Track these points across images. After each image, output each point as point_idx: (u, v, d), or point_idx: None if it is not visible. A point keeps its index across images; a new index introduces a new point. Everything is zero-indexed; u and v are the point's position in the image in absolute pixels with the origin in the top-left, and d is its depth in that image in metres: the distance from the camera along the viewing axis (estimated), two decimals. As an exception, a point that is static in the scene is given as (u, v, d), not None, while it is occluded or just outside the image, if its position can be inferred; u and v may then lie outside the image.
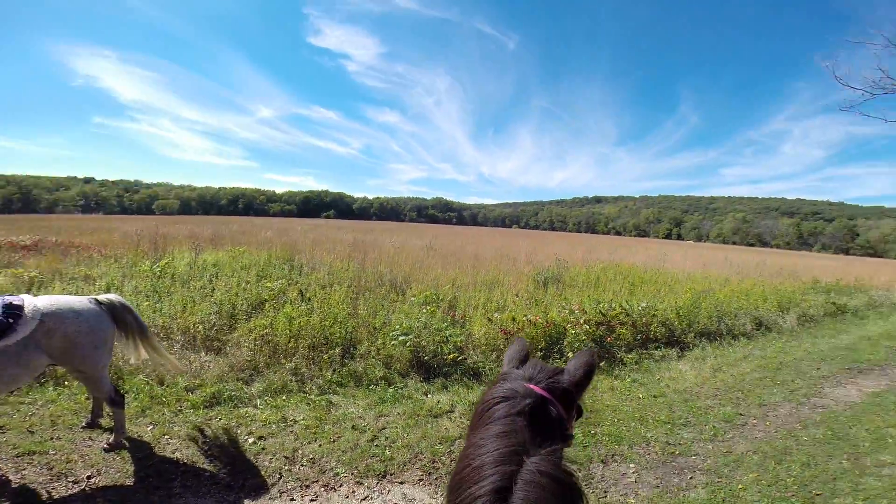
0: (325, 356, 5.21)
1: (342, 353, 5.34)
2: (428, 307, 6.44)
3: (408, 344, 5.34)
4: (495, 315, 6.64)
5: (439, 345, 5.45)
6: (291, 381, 4.79)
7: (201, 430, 3.90)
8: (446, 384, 5.03)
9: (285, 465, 3.49)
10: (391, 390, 4.77)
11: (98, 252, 14.29)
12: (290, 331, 5.57)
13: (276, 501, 3.11)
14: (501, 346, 5.86)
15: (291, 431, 3.93)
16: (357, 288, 7.85)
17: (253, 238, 17.69)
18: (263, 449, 3.67)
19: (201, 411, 4.21)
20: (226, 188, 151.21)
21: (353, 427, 4.03)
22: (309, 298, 7.03)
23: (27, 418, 3.94)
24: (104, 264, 11.53)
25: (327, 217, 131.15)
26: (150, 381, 4.62)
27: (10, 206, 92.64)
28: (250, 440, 3.78)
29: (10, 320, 3.05)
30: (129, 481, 3.23)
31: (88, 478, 3.26)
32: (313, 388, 4.74)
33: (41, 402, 4.22)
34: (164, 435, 3.81)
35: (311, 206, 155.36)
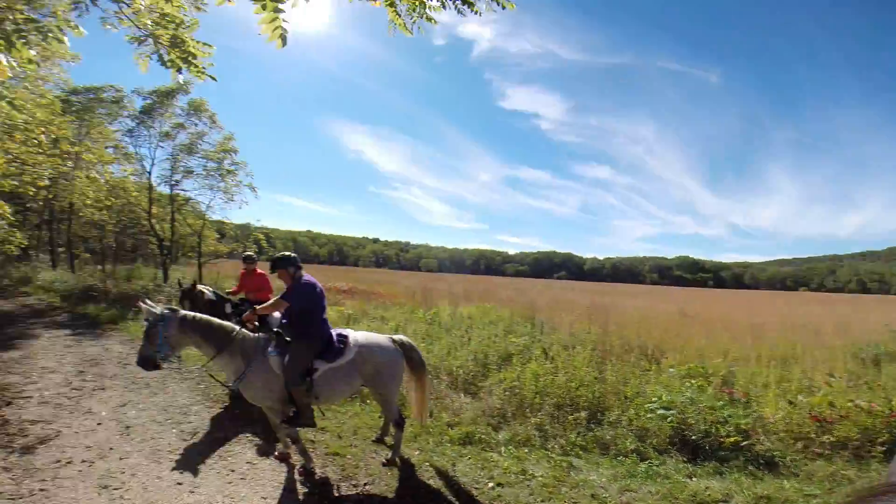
0: (571, 417, 5.20)
1: (588, 417, 5.24)
2: (693, 381, 5.62)
3: (669, 419, 4.73)
4: (799, 398, 5.33)
5: (713, 425, 4.67)
6: (535, 436, 4.89)
7: (453, 464, 4.28)
8: (721, 469, 4.30)
9: None
10: (644, 465, 4.36)
11: (388, 299, 18.09)
12: (535, 386, 5.79)
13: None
14: (811, 436, 4.77)
15: (528, 485, 3.91)
16: (602, 352, 7.50)
17: (495, 296, 19.26)
18: (499, 496, 3.73)
19: (456, 447, 4.64)
20: (469, 249, 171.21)
21: (591, 495, 3.75)
22: (552, 357, 7.09)
23: (339, 425, 5.05)
24: (393, 309, 14.51)
25: (559, 277, 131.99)
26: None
27: (331, 259, 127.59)
28: (490, 485, 3.90)
29: (342, 346, 3.94)
30: (391, 495, 3.69)
31: (364, 484, 3.84)
32: (556, 446, 4.72)
33: (350, 414, 5.39)
34: (425, 462, 4.27)
35: (543, 266, 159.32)
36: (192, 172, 16.23)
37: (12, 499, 3.29)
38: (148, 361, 3.46)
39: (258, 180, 17.50)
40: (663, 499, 3.72)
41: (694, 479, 4.12)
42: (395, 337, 4.30)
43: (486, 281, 45.21)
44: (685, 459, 4.48)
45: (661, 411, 4.94)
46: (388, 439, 4.58)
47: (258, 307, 3.98)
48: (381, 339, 4.19)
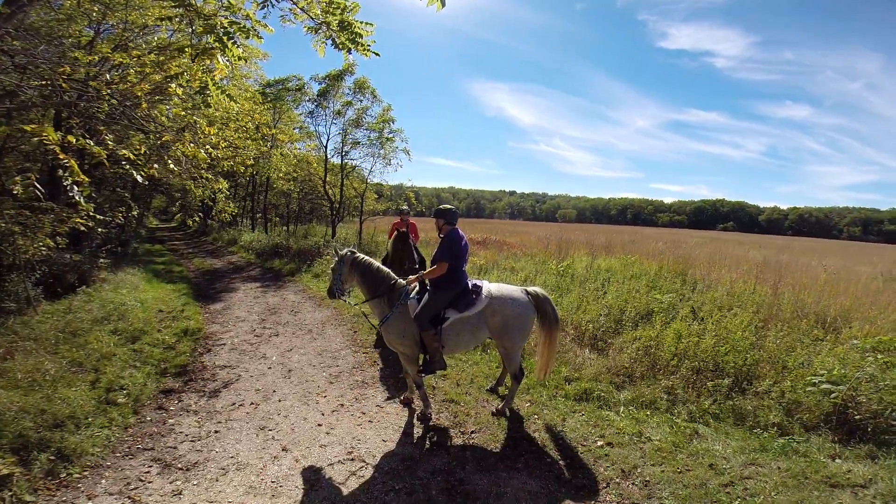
0: (710, 384, 4.79)
1: (731, 384, 4.77)
2: (880, 356, 4.83)
3: (833, 395, 4.21)
4: None
5: (890, 407, 4.01)
6: (662, 398, 4.64)
7: (563, 419, 4.25)
8: (875, 454, 3.62)
9: (617, 477, 3.42)
10: (781, 441, 3.88)
11: (520, 250, 18.43)
12: (675, 348, 5.44)
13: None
14: None
15: (640, 448, 3.79)
16: (766, 316, 6.72)
17: (642, 248, 17.91)
18: (606, 455, 3.67)
19: (571, 402, 4.59)
20: (614, 199, 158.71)
21: (709, 465, 3.53)
22: (702, 318, 6.62)
23: (458, 373, 5.29)
24: (524, 260, 14.71)
25: (724, 229, 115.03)
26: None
27: (468, 212, 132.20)
28: (598, 443, 3.85)
29: (474, 296, 4.03)
30: (494, 446, 3.81)
31: (472, 432, 4.00)
32: (683, 412, 4.44)
33: (470, 363, 5.64)
34: (534, 414, 4.33)
35: (705, 216, 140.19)
36: (358, 143, 18.48)
37: (193, 440, 3.84)
38: (331, 292, 4.22)
39: (410, 143, 19.14)
40: (792, 477, 3.32)
41: (838, 460, 3.56)
42: (530, 289, 4.20)
43: (633, 232, 41.92)
44: (836, 440, 3.87)
45: (825, 386, 4.37)
46: (502, 389, 4.70)
47: (423, 273, 4.22)
48: (514, 290, 4.13)
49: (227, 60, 3.85)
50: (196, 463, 3.50)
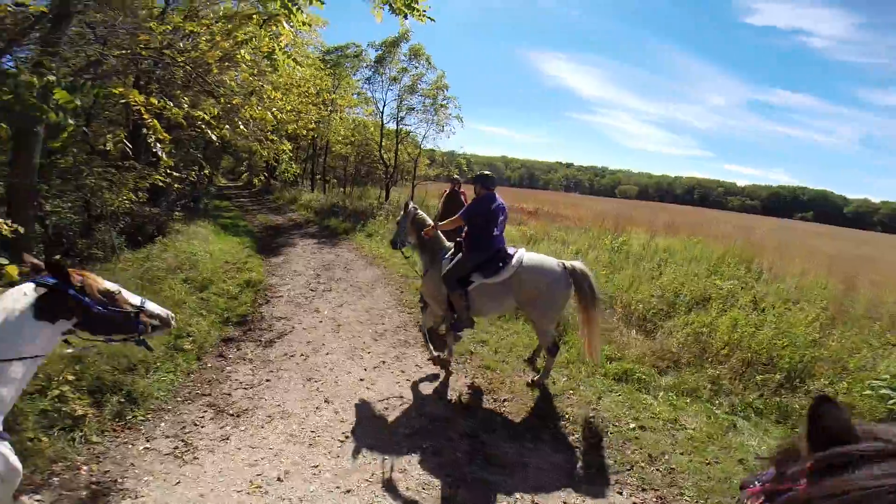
0: (759, 377, 4.59)
1: (783, 380, 4.55)
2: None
3: (891, 401, 3.92)
4: None
5: None
6: (705, 387, 4.50)
7: (599, 398, 4.20)
8: None
9: (643, 462, 3.38)
10: None
11: (573, 223, 18.02)
12: (728, 337, 5.21)
13: (609, 493, 3.05)
14: None
15: (673, 435, 3.75)
16: (836, 313, 6.25)
17: (707, 230, 16.95)
18: (636, 438, 3.64)
19: (609, 381, 4.54)
20: (681, 177, 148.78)
21: (739, 460, 3.42)
22: (763, 309, 6.26)
23: (498, 341, 5.36)
24: (576, 233, 14.36)
25: (803, 218, 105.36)
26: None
27: (521, 183, 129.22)
28: (631, 425, 3.80)
29: (501, 264, 3.98)
30: (524, 416, 3.85)
31: (503, 400, 4.07)
32: (725, 403, 4.30)
33: (511, 332, 5.66)
34: (570, 389, 4.30)
35: (781, 203, 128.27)
36: (412, 109, 18.78)
37: (247, 388, 4.09)
38: (394, 243, 4.59)
39: (463, 111, 19.07)
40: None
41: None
42: (568, 263, 4.04)
43: (699, 213, 39.54)
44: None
45: (884, 391, 4.05)
46: (540, 361, 4.65)
47: (440, 223, 4.43)
48: (549, 262, 4.02)
49: (292, 27, 3.95)
50: (246, 410, 3.74)
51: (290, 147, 12.14)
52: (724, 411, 4.18)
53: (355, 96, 19.97)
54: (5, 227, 4.17)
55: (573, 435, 3.68)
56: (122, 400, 3.52)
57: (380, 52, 18.13)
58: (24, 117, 2.41)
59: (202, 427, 3.47)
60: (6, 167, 6.10)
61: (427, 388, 4.30)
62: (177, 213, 11.66)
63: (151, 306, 2.20)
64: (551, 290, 3.96)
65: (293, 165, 12.81)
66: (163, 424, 3.46)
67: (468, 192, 7.60)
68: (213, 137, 5.15)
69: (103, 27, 5.38)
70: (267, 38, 4.26)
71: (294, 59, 4.86)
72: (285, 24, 3.77)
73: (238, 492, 2.79)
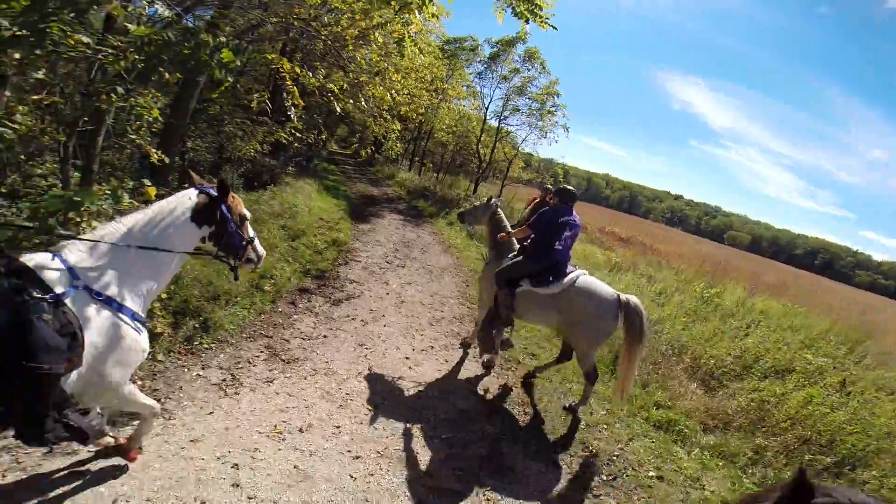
0: (808, 457, 4.24)
1: (831, 464, 4.20)
2: None
3: None
4: None
5: None
6: (746, 454, 4.19)
7: (630, 439, 4.01)
8: None
9: None
10: None
11: (666, 260, 16.92)
12: (795, 412, 4.77)
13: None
14: None
15: (687, 492, 3.57)
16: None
17: (816, 300, 15.06)
18: (649, 486, 3.51)
19: (647, 426, 4.32)
20: (806, 236, 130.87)
21: None
22: (849, 393, 5.58)
23: (549, 358, 5.07)
24: (666, 272, 13.57)
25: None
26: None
27: (621, 206, 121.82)
28: (650, 473, 3.67)
29: (551, 278, 4.01)
30: (544, 436, 3.83)
31: (534, 416, 4.04)
32: (758, 473, 4.00)
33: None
34: (604, 423, 4.17)
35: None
36: (517, 110, 18.80)
37: (305, 339, 4.33)
38: (461, 216, 5.09)
39: (571, 120, 18.73)
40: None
41: None
42: (623, 295, 3.94)
43: (815, 281, 34.95)
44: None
45: None
46: (541, 380, 4.65)
47: (514, 231, 4.58)
48: (603, 290, 3.95)
49: (423, 17, 4.22)
50: (297, 359, 3.95)
51: (398, 127, 12.86)
52: (752, 481, 3.90)
53: (465, 88, 20.47)
54: (155, 155, 5.00)
55: (589, 469, 3.61)
56: (197, 326, 3.84)
57: (495, 49, 18.35)
58: (193, 69, 2.92)
59: (254, 366, 3.71)
60: (167, 108, 7.29)
61: (465, 383, 4.40)
62: (290, 168, 12.97)
63: (257, 243, 2.61)
64: (599, 317, 3.91)
65: (398, 145, 13.62)
66: (221, 356, 3.72)
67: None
68: (338, 109, 5.68)
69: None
70: (399, 25, 4.60)
71: (418, 47, 5.19)
72: (417, 14, 4.04)
73: (260, 433, 2.97)
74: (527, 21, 4.05)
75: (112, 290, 1.98)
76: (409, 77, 10.32)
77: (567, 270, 4.07)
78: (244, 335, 4.15)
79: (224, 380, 3.44)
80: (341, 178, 18.47)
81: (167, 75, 3.20)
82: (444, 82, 16.44)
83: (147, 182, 3.78)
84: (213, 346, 3.81)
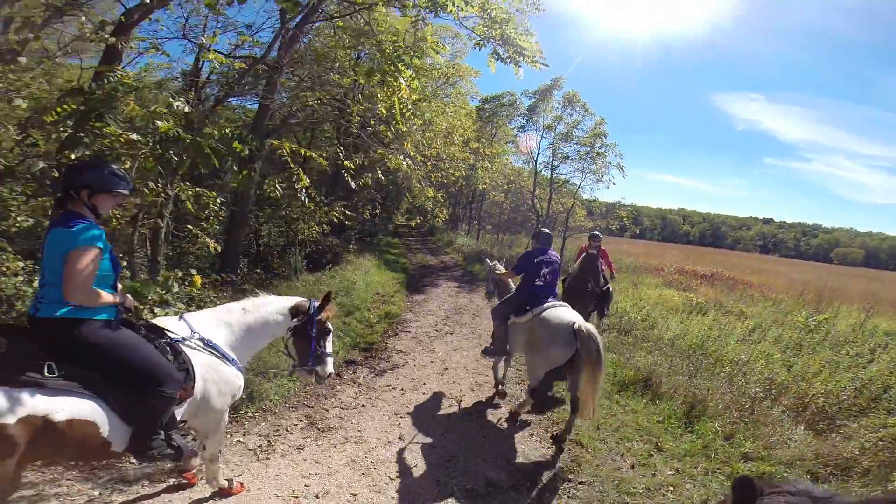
0: None
1: None
2: None
3: None
4: None
5: None
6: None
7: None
8: None
9: None
10: None
11: (760, 292, 15.09)
12: None
13: None
14: None
15: None
16: None
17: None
18: None
19: (730, 483, 3.59)
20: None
21: None
22: None
23: (608, 416, 4.75)
24: (762, 305, 12.09)
25: None
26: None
27: (702, 240, 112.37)
28: None
29: (528, 308, 4.37)
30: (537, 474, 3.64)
31: (580, 483, 3.64)
32: None
33: (628, 409, 5.05)
34: (672, 485, 3.67)
35: None
36: (567, 158, 18.48)
37: (343, 408, 4.41)
38: (488, 295, 5.63)
39: (628, 159, 18.14)
40: None
41: None
42: (578, 324, 3.96)
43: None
44: None
45: None
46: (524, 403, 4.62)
47: (499, 273, 5.23)
48: (561, 319, 4.09)
49: (406, 81, 4.46)
50: (332, 427, 4.02)
51: (432, 193, 13.12)
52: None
53: (510, 144, 20.78)
54: (212, 245, 5.52)
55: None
56: (244, 397, 4.00)
57: (532, 100, 18.45)
58: (206, 158, 3.25)
59: (290, 433, 3.84)
60: (232, 197, 8.22)
61: (492, 452, 4.04)
62: (352, 245, 13.71)
63: (330, 361, 3.04)
64: (551, 342, 4.06)
65: (443, 211, 14.01)
66: (263, 424, 3.90)
67: (606, 250, 7.39)
68: (353, 185, 6.05)
69: (310, 78, 6.94)
70: (387, 93, 4.88)
71: (450, 110, 5.53)
72: (400, 79, 4.29)
73: (278, 496, 3.04)
74: (517, 64, 4.14)
75: (219, 342, 2.63)
76: (436, 140, 10.71)
77: (545, 302, 4.35)
78: (287, 405, 4.33)
79: (259, 446, 3.59)
80: (402, 250, 19.09)
81: (199, 166, 3.62)
82: (477, 141, 16.77)
83: (194, 272, 4.17)
84: (256, 414, 4.03)
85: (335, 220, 10.89)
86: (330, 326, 3.02)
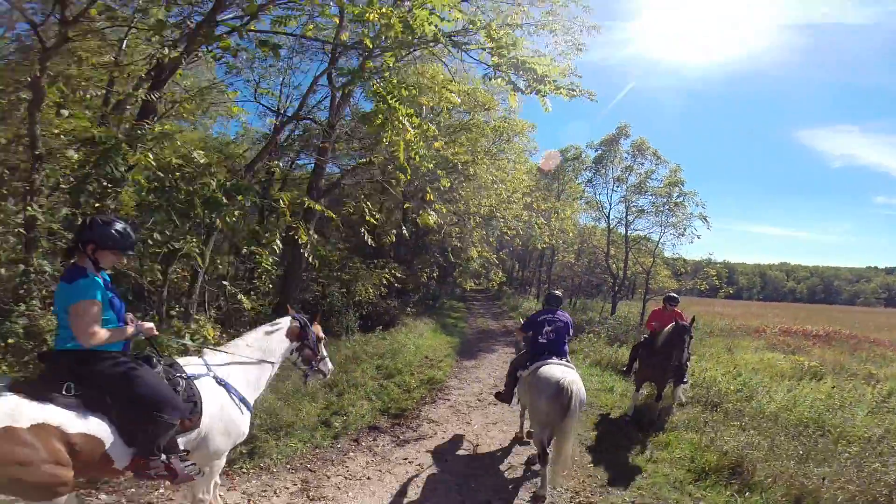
0: None
1: None
2: None
3: None
4: None
5: None
6: None
7: None
8: None
9: None
10: None
11: (893, 350, 12.40)
12: None
13: None
14: None
15: None
16: None
17: None
18: None
19: None
20: None
21: None
22: None
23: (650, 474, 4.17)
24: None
25: None
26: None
27: (813, 297, 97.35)
28: None
29: (528, 363, 4.59)
30: None
31: None
32: None
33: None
34: None
35: None
36: (643, 212, 16.98)
37: (347, 478, 3.98)
38: (517, 350, 5.76)
39: (711, 209, 16.31)
40: None
41: None
42: (563, 381, 3.99)
43: None
44: None
45: None
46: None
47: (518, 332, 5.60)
48: (549, 375, 4.15)
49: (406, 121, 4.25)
50: (324, 497, 3.64)
51: (476, 253, 12.50)
52: None
53: (582, 202, 19.85)
54: (247, 302, 5.53)
55: None
56: (244, 451, 3.90)
57: (599, 151, 17.53)
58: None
59: (277, 496, 3.56)
60: (282, 261, 8.45)
61: None
62: (410, 308, 13.41)
63: (328, 360, 3.51)
64: (537, 397, 4.14)
65: (499, 273, 13.53)
66: (254, 481, 3.66)
67: (682, 313, 6.44)
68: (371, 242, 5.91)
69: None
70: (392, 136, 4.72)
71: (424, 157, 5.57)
72: (404, 121, 4.06)
73: None
74: (542, 94, 3.74)
75: (231, 380, 2.85)
76: (489, 197, 10.46)
77: (546, 359, 4.42)
78: (288, 466, 4.06)
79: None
80: (464, 314, 18.53)
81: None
82: (530, 195, 16.02)
83: (209, 325, 4.15)
84: (251, 471, 3.85)
85: (386, 282, 10.78)
86: (321, 335, 3.49)
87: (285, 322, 3.28)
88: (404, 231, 7.35)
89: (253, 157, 5.83)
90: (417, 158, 4.89)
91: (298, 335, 3.28)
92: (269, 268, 6.88)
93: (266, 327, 3.22)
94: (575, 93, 3.85)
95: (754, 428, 5.36)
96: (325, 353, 3.47)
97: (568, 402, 3.84)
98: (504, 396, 5.09)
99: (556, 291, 5.51)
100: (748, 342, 12.81)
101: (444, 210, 7.57)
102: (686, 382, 6.51)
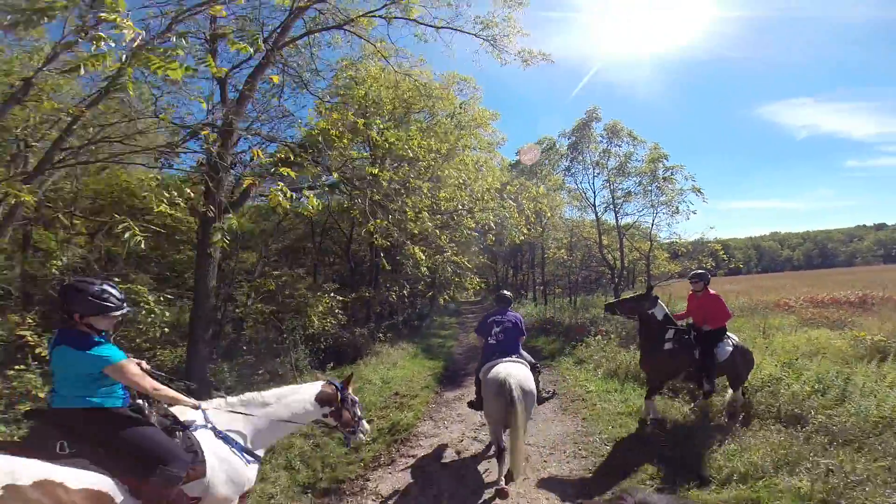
0: None
1: None
2: None
3: None
4: None
5: None
6: None
7: None
8: None
9: None
10: None
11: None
12: None
13: None
14: None
15: None
16: None
17: None
18: None
19: None
20: None
21: None
22: None
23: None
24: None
25: None
26: None
27: (810, 263, 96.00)
28: None
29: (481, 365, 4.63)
30: None
31: None
32: None
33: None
34: None
35: None
36: (630, 194, 15.78)
37: None
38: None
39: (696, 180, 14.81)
40: None
41: None
42: (501, 373, 4.05)
43: None
44: None
45: None
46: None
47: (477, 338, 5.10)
48: (494, 374, 4.11)
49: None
50: None
51: (419, 253, 10.95)
52: None
53: (564, 194, 18.44)
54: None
55: None
56: None
57: (572, 139, 16.38)
58: None
59: None
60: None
61: None
62: (381, 334, 11.37)
63: (365, 422, 3.39)
64: (487, 398, 4.13)
65: (474, 279, 12.12)
66: None
67: (719, 296, 5.30)
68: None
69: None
70: None
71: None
72: None
73: None
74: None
75: (232, 433, 2.73)
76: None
77: (495, 360, 4.36)
78: None
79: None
80: (455, 331, 16.72)
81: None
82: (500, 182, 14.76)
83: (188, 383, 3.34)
84: None
85: (338, 309, 8.96)
86: (355, 397, 3.34)
87: (315, 386, 3.20)
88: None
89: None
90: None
91: (331, 399, 3.16)
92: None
93: (293, 387, 3.16)
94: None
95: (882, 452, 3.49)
96: (360, 415, 3.35)
97: (510, 397, 3.84)
98: (476, 404, 4.84)
99: (505, 292, 5.31)
100: (778, 320, 10.97)
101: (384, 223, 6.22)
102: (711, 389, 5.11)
